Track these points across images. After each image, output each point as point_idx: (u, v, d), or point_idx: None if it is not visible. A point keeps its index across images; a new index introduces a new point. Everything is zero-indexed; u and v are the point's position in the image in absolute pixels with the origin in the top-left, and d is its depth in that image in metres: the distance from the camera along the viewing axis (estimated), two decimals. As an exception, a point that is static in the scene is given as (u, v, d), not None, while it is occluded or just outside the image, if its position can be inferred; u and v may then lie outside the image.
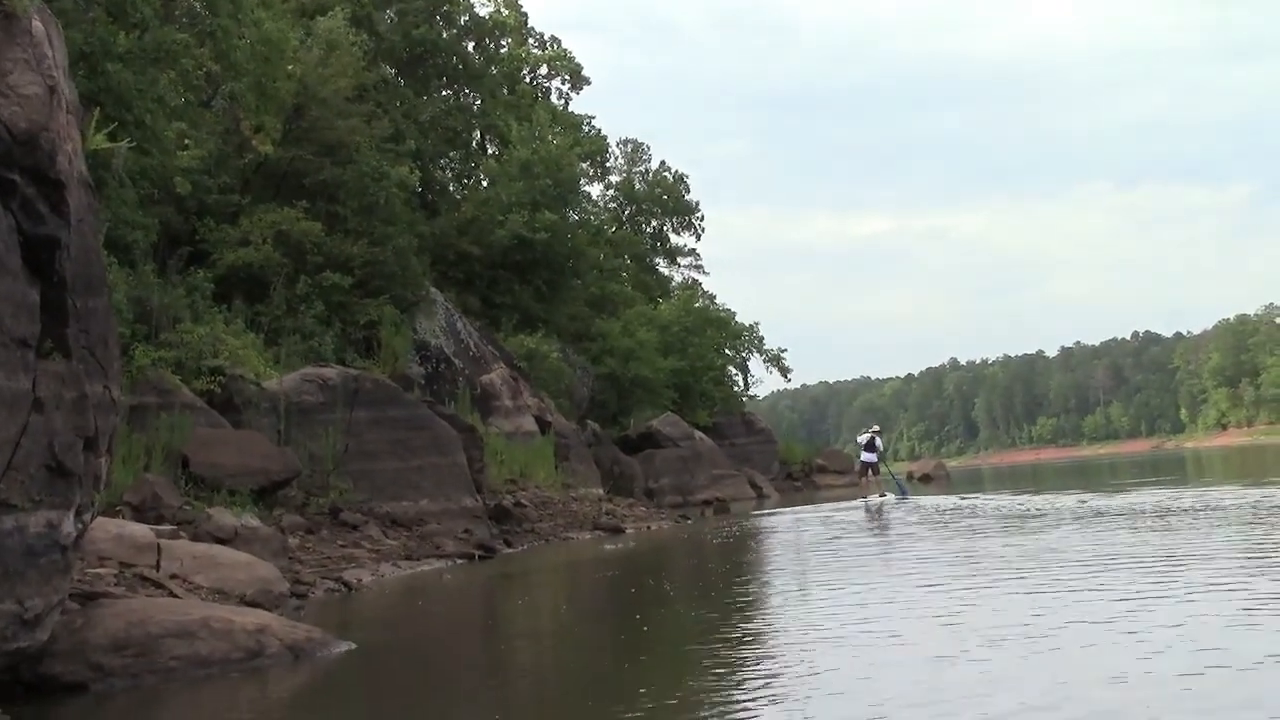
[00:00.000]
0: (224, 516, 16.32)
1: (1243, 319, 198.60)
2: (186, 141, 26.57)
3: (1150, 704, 6.46)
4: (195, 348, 21.43)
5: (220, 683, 9.13)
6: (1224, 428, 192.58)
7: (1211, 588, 10.44)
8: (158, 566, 12.48)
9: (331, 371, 23.14)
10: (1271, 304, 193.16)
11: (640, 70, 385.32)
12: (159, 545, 12.91)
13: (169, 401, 19.34)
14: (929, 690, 7.23)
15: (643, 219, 70.88)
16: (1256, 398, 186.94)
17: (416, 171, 37.94)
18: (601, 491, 34.16)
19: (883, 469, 36.45)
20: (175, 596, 11.55)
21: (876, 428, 38.04)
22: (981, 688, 7.16)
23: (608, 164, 68.30)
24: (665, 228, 71.71)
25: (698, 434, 48.42)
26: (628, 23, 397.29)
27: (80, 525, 8.82)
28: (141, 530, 13.26)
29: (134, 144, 19.52)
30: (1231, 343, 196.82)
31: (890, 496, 33.35)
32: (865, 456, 35.96)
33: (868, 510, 29.42)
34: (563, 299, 46.12)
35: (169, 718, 8.61)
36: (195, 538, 14.85)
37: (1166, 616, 9.05)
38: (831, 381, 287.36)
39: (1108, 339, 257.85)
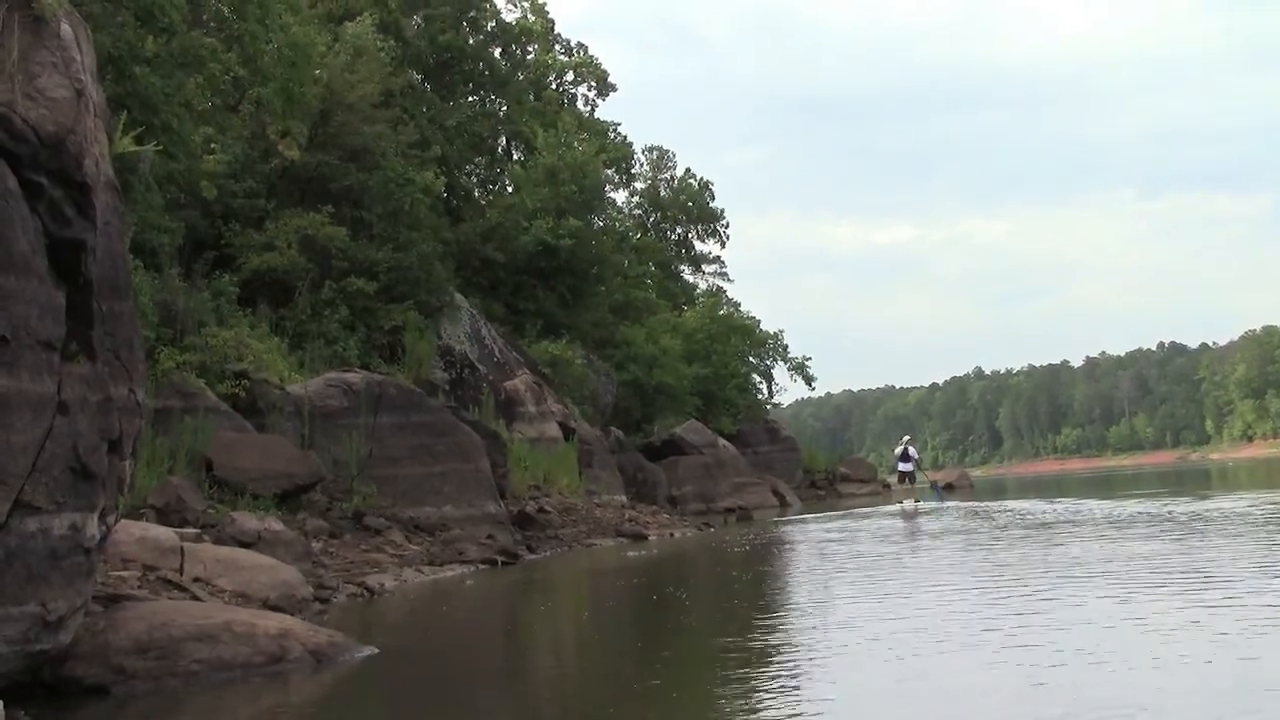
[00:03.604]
0: (247, 520, 16.34)
1: (1270, 330, 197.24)
2: (213, 146, 26.60)
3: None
4: (220, 351, 21.48)
5: (242, 686, 9.12)
6: (1250, 439, 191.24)
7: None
8: (181, 570, 12.50)
9: (355, 376, 23.16)
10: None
11: (661, 75, 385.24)
12: (182, 548, 12.92)
13: (193, 405, 19.38)
14: (953, 702, 7.19)
15: (667, 226, 70.80)
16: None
17: (442, 177, 37.99)
18: (624, 498, 34.12)
19: (919, 476, 37.21)
20: (198, 600, 11.56)
21: (908, 438, 39.08)
22: (1007, 707, 7.11)
23: (633, 171, 68.26)
24: (690, 235, 71.67)
25: (721, 441, 48.29)
26: (649, 27, 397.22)
27: (104, 528, 8.83)
28: (165, 533, 13.29)
29: (160, 148, 19.54)
30: (1258, 354, 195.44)
31: (924, 503, 34.09)
32: (901, 466, 37.26)
33: (903, 515, 30.46)
34: (587, 305, 46.07)
35: (190, 721, 8.61)
36: (218, 541, 14.87)
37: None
38: (855, 390, 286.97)
39: (1133, 349, 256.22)
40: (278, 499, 18.79)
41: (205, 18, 24.20)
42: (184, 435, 18.48)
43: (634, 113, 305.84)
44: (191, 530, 14.83)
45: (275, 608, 12.13)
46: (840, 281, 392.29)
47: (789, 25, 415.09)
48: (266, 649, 9.60)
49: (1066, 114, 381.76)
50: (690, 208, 70.20)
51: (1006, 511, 29.38)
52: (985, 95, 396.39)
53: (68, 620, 8.37)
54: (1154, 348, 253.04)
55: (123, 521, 11.32)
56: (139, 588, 11.40)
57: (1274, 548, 15.49)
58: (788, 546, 22.96)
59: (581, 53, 60.73)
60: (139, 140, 17.41)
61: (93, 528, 8.49)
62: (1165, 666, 7.79)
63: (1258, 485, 39.69)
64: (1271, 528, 18.90)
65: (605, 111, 75.02)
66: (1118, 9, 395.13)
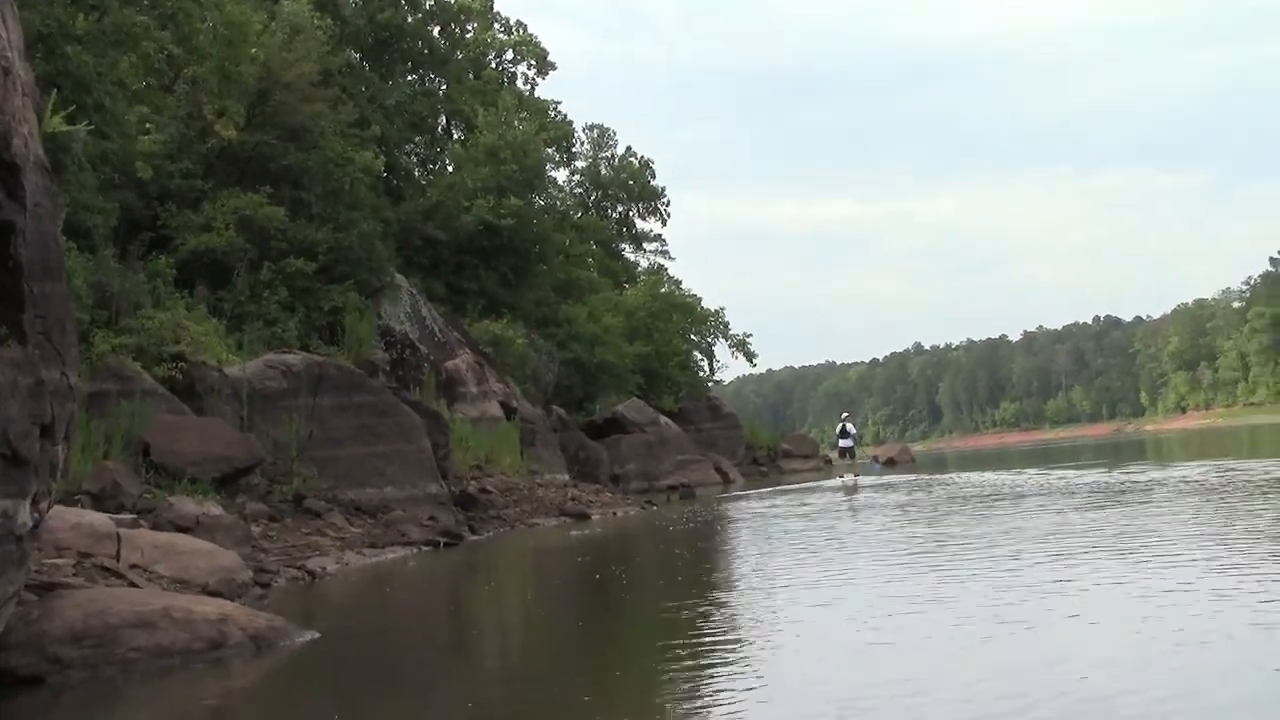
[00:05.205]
0: (185, 504, 16.17)
1: (1201, 303, 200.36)
2: (148, 126, 26.26)
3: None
4: (156, 334, 21.19)
5: (181, 673, 9.02)
6: (1183, 410, 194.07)
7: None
8: (118, 556, 12.34)
9: (295, 358, 22.95)
10: (1228, 288, 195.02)
11: (608, 55, 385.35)
12: (119, 534, 12.76)
13: (129, 388, 19.13)
14: (885, 671, 7.22)
15: (608, 204, 70.73)
16: (1214, 380, 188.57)
17: (381, 157, 37.73)
18: (567, 477, 34.11)
19: (858, 452, 38.27)
20: (135, 586, 11.42)
21: (847, 414, 40.43)
22: (929, 677, 7.14)
23: (573, 149, 68.08)
24: (631, 213, 71.63)
25: (663, 419, 48.37)
26: (596, 6, 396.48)
27: (36, 515, 8.68)
28: (100, 519, 13.11)
29: (93, 127, 19.28)
30: (1190, 326, 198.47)
31: (863, 478, 35.26)
32: (842, 443, 38.59)
33: (845, 489, 31.41)
34: (528, 285, 45.91)
35: (127, 710, 8.49)
36: (156, 526, 14.71)
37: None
38: (797, 366, 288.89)
39: (1069, 323, 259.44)
40: (217, 483, 18.59)
41: (138, -5, 23.88)
42: (120, 419, 18.23)
43: (580, 93, 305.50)
44: (128, 515, 14.65)
45: (215, 593, 12.02)
46: (783, 259, 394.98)
47: (733, 4, 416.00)
48: (206, 635, 9.51)
49: (1008, 91, 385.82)
50: (631, 186, 70.15)
51: (948, 484, 29.80)
52: (927, 73, 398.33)
53: (0, 610, 8.23)
54: (1090, 321, 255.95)
55: (57, 508, 11.16)
56: (74, 575, 11.24)
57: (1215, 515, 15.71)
58: (730, 523, 23.04)
59: (521, 31, 60.43)
60: (71, 119, 17.20)
61: (24, 515, 8.34)
62: (1111, 630, 7.88)
63: (1191, 455, 40.37)
64: (1212, 495, 19.17)
65: (546, 90, 74.58)
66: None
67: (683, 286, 67.36)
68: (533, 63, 61.05)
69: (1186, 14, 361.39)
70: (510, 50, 60.26)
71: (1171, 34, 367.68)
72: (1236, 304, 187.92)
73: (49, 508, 9.35)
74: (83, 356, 15.82)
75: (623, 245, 71.40)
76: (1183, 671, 6.85)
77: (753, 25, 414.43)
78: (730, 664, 7.94)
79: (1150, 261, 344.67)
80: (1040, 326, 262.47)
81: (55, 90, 17.01)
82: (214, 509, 16.49)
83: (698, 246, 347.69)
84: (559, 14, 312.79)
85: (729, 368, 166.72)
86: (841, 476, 35.58)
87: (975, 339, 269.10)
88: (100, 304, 20.88)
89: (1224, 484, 21.83)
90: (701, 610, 10.69)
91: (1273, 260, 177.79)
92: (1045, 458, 51.20)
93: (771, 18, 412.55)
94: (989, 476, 32.59)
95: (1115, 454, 50.22)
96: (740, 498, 32.29)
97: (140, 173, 24.32)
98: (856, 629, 8.85)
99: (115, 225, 23.90)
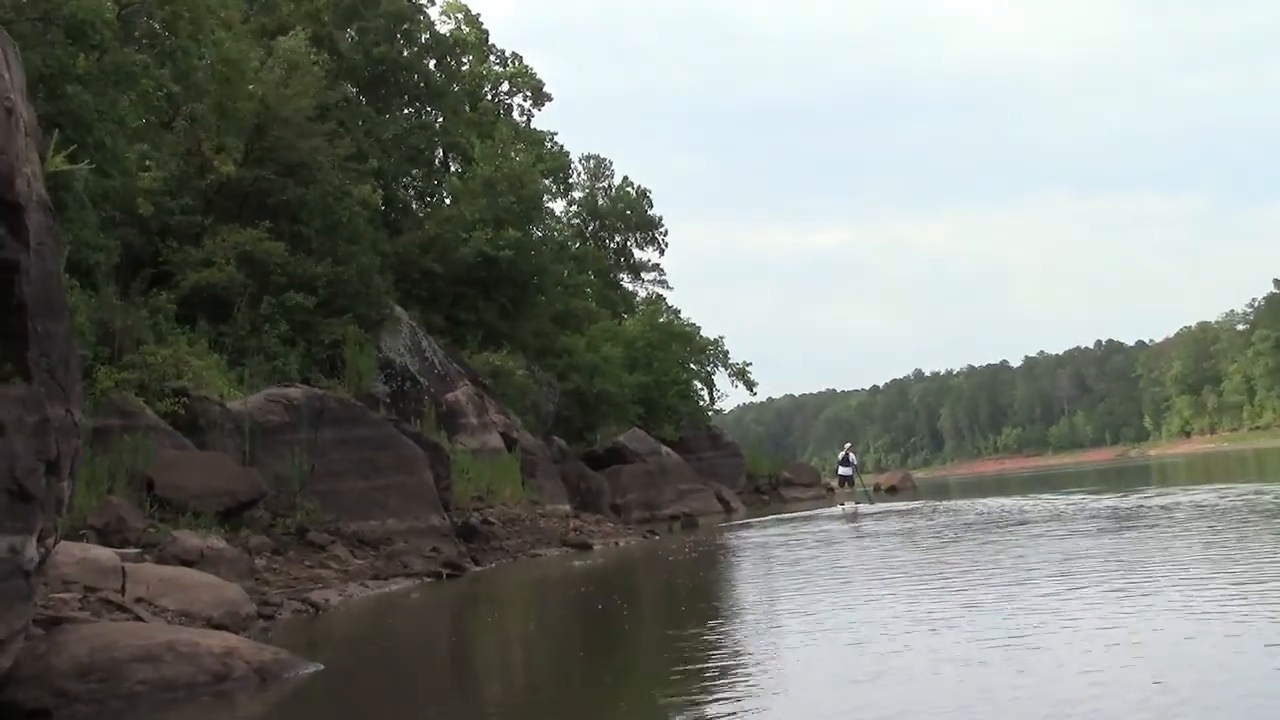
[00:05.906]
0: (189, 538, 16.22)
1: (1204, 326, 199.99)
2: (148, 163, 26.37)
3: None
4: (159, 369, 21.31)
5: (187, 706, 9.07)
6: (1187, 435, 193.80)
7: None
8: (123, 590, 12.40)
9: (296, 391, 23.03)
10: (1232, 311, 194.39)
11: (600, 86, 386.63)
12: (124, 569, 12.82)
13: (132, 424, 19.21)
14: (893, 701, 7.27)
15: (606, 234, 70.89)
16: (1219, 404, 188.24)
17: (379, 190, 37.89)
18: (569, 508, 34.09)
19: (857, 481, 38.73)
20: (141, 620, 11.47)
21: (849, 444, 41.31)
22: (939, 707, 7.20)
23: (570, 180, 68.27)
24: (629, 243, 71.78)
25: (664, 449, 48.30)
26: (588, 39, 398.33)
27: (43, 550, 8.76)
28: (106, 554, 13.18)
29: (94, 166, 19.40)
30: (1193, 350, 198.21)
31: (864, 505, 36.11)
32: (842, 471, 39.45)
33: (845, 516, 32.09)
34: (527, 315, 46.00)
35: (135, 743, 8.55)
36: (160, 560, 14.76)
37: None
38: (797, 394, 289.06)
39: (1071, 348, 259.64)
40: (220, 516, 18.64)
41: (137, 34, 24.05)
42: (124, 454, 18.31)
43: (573, 124, 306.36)
44: (133, 550, 14.71)
45: (219, 626, 12.07)
46: (781, 287, 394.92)
47: (725, 33, 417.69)
48: (211, 668, 9.55)
49: (1002, 116, 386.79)
50: (629, 216, 70.32)
51: (953, 511, 29.92)
52: (921, 99, 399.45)
53: (8, 645, 8.29)
54: (1092, 346, 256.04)
55: (63, 543, 11.23)
56: (80, 610, 11.31)
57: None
58: (733, 552, 23.06)
59: (516, 63, 60.69)
60: (72, 159, 17.32)
61: (31, 550, 8.42)
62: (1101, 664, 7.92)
63: (1197, 480, 40.22)
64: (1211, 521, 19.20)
65: (541, 122, 74.90)
66: (1050, 12, 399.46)
67: (681, 316, 67.48)
68: (528, 94, 61.30)
69: (1182, 40, 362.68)
70: (506, 82, 60.52)
71: (1170, 60, 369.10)
72: (1241, 326, 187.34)
73: (55, 543, 9.43)
74: (86, 393, 15.92)
75: (621, 275, 71.52)
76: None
77: (737, 54, 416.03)
78: (735, 694, 7.99)
79: (1151, 285, 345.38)
80: (1041, 351, 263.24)
81: (57, 130, 17.14)
82: (218, 542, 16.54)
83: (696, 275, 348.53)
84: (556, 48, 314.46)
85: (729, 396, 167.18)
86: (842, 505, 36.00)
87: (976, 365, 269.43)
88: (103, 340, 20.98)
89: (1233, 509, 21.78)
90: (705, 640, 10.74)
91: (1277, 282, 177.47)
92: (1051, 483, 51.12)
93: (755, 46, 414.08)
94: (1001, 502, 32.62)
95: (1121, 479, 50.13)
96: (742, 527, 32.32)
97: (141, 209, 24.45)
98: (862, 658, 8.88)
99: (117, 262, 24.01)
